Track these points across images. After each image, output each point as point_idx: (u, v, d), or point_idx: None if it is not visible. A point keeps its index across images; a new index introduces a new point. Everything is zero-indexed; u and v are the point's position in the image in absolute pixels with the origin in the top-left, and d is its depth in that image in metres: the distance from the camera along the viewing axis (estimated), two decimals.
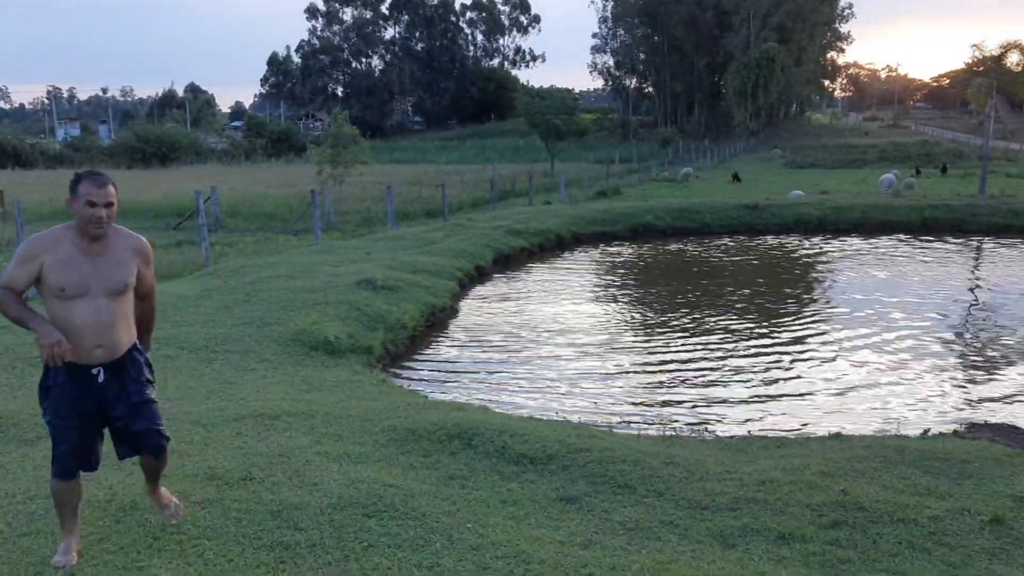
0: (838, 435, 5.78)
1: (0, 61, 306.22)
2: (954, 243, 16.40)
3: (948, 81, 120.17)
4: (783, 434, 6.09)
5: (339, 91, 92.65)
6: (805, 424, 6.60)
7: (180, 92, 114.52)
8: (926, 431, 6.02)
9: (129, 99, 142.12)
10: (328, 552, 3.51)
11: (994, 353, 8.77)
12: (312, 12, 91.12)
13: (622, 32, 79.65)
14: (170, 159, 48.46)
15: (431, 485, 4.40)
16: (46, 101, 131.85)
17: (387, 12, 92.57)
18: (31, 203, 19.72)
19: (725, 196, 22.85)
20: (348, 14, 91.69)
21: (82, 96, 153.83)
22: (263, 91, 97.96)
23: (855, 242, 16.67)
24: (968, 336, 9.56)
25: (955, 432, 6.12)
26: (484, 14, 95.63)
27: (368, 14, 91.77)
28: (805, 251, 15.88)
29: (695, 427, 6.44)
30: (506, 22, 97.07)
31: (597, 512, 4.17)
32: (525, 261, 14.97)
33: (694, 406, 7.09)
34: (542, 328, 9.80)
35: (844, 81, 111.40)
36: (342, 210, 23.46)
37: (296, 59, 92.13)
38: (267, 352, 7.44)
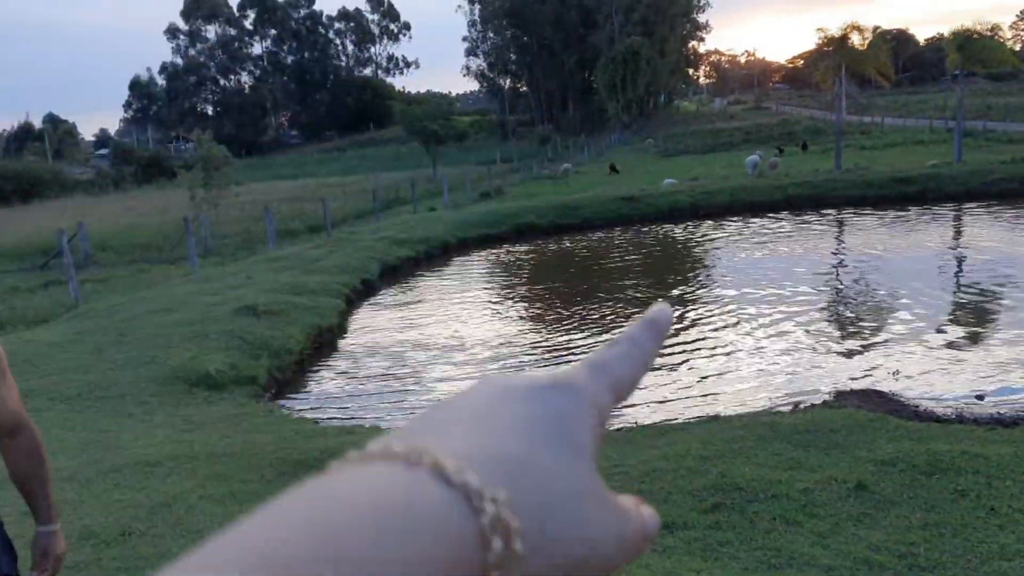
0: (716, 417, 6.05)
1: None
2: (816, 217, 17.34)
3: (803, 62, 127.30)
4: (665, 420, 6.31)
5: (208, 110, 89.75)
6: (691, 408, 6.85)
7: (38, 124, 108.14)
8: (797, 404, 6.36)
9: None
10: None
11: (865, 320, 9.34)
12: (173, 32, 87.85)
13: (492, 34, 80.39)
14: (32, 195, 45.68)
15: None
16: None
17: (252, 28, 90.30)
18: None
19: (604, 189, 23.38)
20: (211, 32, 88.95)
21: None
22: (128, 116, 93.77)
23: (725, 224, 17.40)
24: (842, 306, 10.15)
25: (824, 403, 6.50)
26: (353, 23, 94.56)
27: (232, 31, 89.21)
28: (680, 237, 16.47)
29: None
30: (376, 31, 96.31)
31: None
32: (412, 270, 14.91)
33: None
34: (433, 342, 9.80)
35: (707, 68, 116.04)
36: (220, 233, 22.73)
37: (160, 81, 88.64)
38: (145, 394, 7.16)
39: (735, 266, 12.98)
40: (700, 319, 9.76)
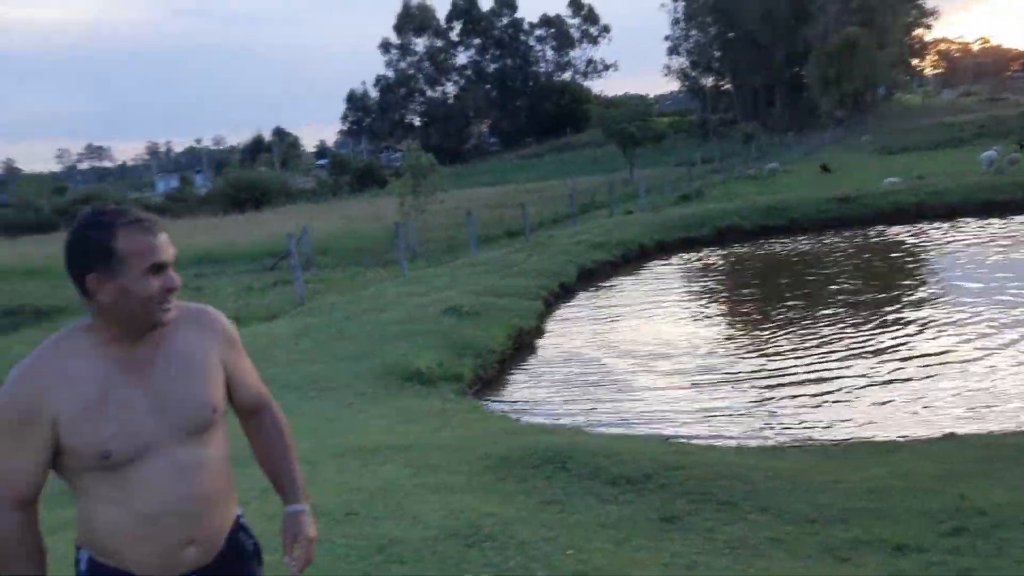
0: (952, 435, 5.51)
1: (104, 123, 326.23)
2: None
3: None
4: (892, 438, 5.84)
5: (416, 121, 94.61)
6: (920, 426, 6.30)
7: (267, 137, 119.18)
8: None
9: (221, 147, 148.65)
10: None
11: None
12: (385, 46, 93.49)
13: (695, 32, 78.73)
14: (263, 202, 50.38)
15: (529, 512, 4.40)
16: (146, 156, 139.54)
17: (457, 38, 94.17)
18: None
19: (814, 190, 22.15)
20: (420, 44, 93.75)
21: (178, 148, 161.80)
22: (344, 128, 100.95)
23: (958, 226, 15.90)
24: None
25: None
26: (553, 29, 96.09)
27: (440, 42, 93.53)
28: (904, 240, 15.25)
29: (798, 437, 6.25)
30: (576, 35, 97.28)
31: (699, 531, 4.09)
32: (609, 274, 14.88)
33: (800, 418, 6.83)
34: (632, 348, 9.70)
35: (934, 58, 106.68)
36: (426, 239, 23.88)
37: (373, 94, 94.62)
38: (363, 386, 7.63)
39: (972, 273, 11.78)
40: (927, 329, 8.97)
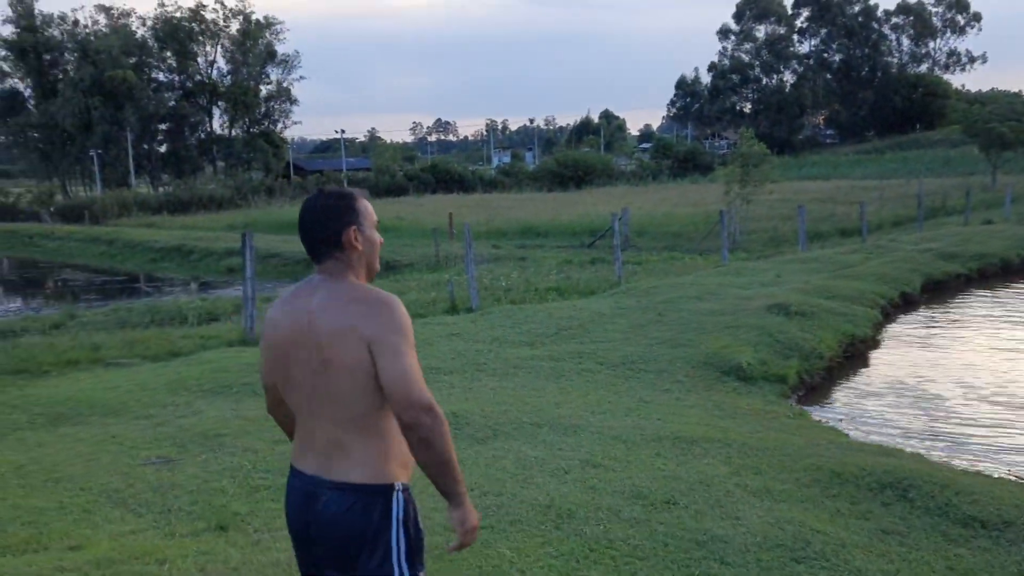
0: None
1: (450, 101, 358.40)
2: None
3: None
4: None
5: (746, 108, 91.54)
6: None
7: (595, 119, 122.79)
8: None
9: (551, 127, 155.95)
10: None
11: None
12: (724, 32, 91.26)
13: None
14: (585, 181, 52.04)
15: (863, 537, 4.04)
16: (484, 132, 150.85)
17: (803, 25, 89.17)
18: (472, 223, 22.66)
19: None
20: (762, 31, 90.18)
21: (513, 127, 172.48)
22: (670, 113, 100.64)
23: None
24: None
25: None
26: (912, 17, 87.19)
27: (782, 30, 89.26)
28: None
29: None
30: (938, 24, 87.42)
31: None
32: (961, 289, 13.21)
33: None
34: (978, 371, 8.51)
35: None
36: (748, 229, 23.06)
37: (705, 80, 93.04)
38: (679, 373, 7.53)
39: None
40: None
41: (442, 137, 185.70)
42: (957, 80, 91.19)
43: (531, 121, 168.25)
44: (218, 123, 68.64)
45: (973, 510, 4.34)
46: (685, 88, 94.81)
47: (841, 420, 7.09)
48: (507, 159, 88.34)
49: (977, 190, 28.87)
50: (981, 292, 13.21)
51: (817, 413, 7.19)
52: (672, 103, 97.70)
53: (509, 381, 7.16)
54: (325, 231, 2.00)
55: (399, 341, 1.90)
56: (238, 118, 67.30)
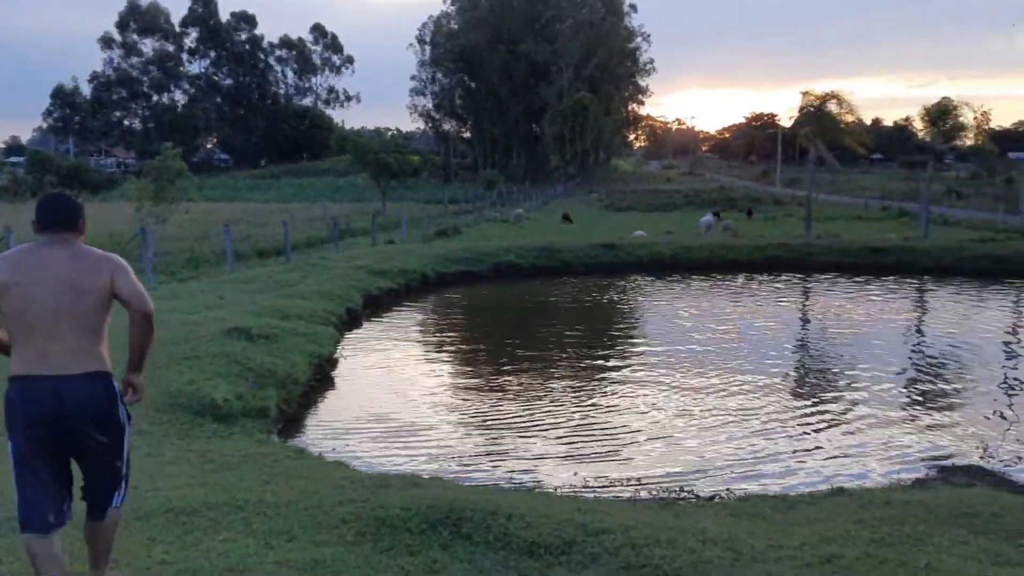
0: (841, 490, 5.30)
1: None
2: (798, 280, 17.02)
3: (729, 135, 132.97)
4: (777, 492, 5.53)
5: (136, 125, 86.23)
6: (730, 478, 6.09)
7: None
8: (925, 480, 5.68)
9: None
10: None
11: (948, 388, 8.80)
12: (107, 42, 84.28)
13: (441, 76, 79.91)
14: None
15: None
16: None
17: (192, 46, 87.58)
18: None
19: (565, 236, 22.68)
20: (148, 46, 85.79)
21: None
22: (45, 124, 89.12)
23: (721, 279, 16.95)
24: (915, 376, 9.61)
25: (937, 478, 5.87)
26: (295, 52, 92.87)
27: (171, 47, 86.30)
28: (671, 289, 15.91)
29: (670, 489, 5.76)
30: (318, 61, 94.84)
31: None
32: (394, 302, 13.89)
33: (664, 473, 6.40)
34: (434, 383, 8.80)
35: (643, 132, 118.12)
36: (162, 251, 21.08)
37: (86, 91, 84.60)
38: (142, 421, 5.95)
39: (769, 329, 12.38)
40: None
41: None
42: (338, 116, 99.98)
43: None
44: None
45: (531, 535, 4.03)
46: (63, 98, 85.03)
47: (337, 450, 6.41)
48: None
49: (371, 215, 31.54)
50: (411, 304, 14.13)
51: (312, 447, 6.38)
52: (48, 113, 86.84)
53: None
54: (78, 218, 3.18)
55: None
56: None
